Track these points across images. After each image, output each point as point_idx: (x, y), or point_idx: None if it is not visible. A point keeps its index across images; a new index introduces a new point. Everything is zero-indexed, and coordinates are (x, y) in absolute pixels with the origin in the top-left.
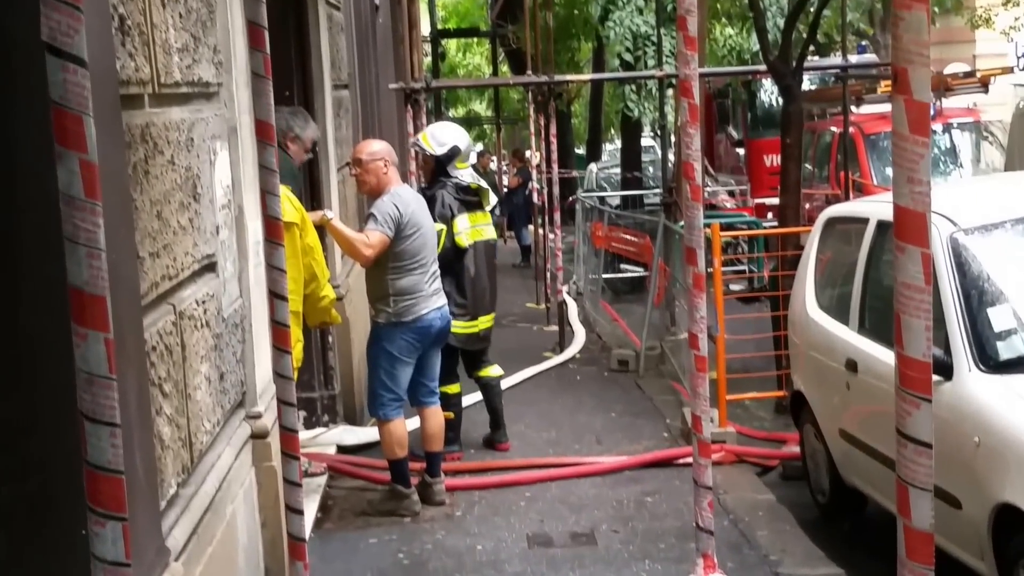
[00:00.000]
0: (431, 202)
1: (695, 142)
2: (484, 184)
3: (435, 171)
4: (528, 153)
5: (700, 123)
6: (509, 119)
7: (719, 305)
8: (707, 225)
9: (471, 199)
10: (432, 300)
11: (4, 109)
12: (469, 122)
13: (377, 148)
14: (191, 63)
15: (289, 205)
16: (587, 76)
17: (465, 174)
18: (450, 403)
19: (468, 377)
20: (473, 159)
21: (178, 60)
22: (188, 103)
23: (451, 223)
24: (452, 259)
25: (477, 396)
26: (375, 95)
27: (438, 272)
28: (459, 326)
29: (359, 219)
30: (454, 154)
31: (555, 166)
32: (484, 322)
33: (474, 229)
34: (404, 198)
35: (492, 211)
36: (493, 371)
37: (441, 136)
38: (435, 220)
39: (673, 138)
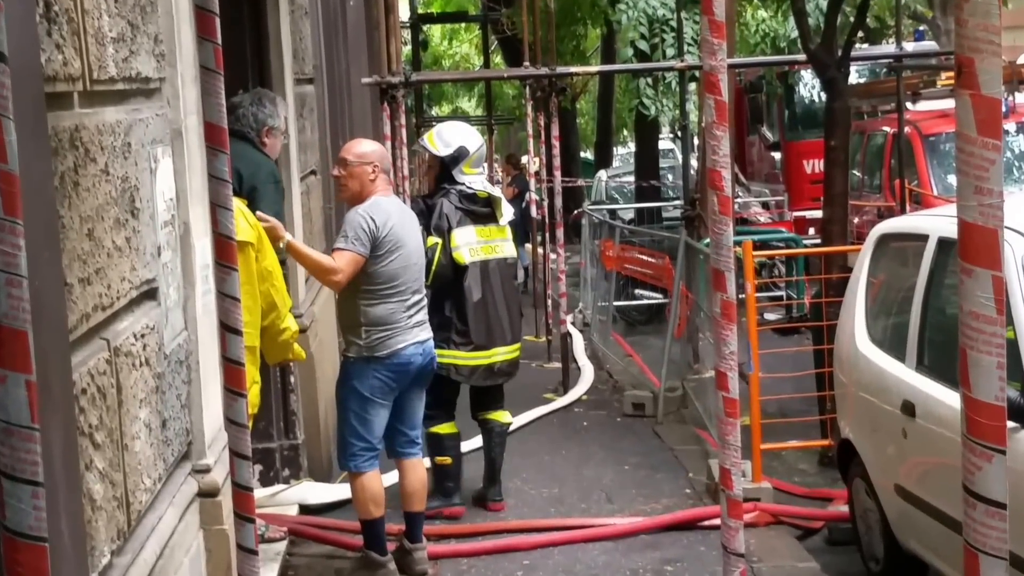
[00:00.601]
0: (430, 212)
1: (723, 145)
2: (497, 192)
3: (439, 176)
4: (525, 159)
5: (729, 123)
6: (503, 119)
7: (752, 338)
8: (738, 243)
9: (480, 210)
10: (412, 333)
11: None
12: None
13: (368, 150)
14: (128, 55)
15: (243, 221)
16: (595, 68)
17: (475, 180)
18: (444, 447)
19: (472, 419)
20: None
21: (113, 52)
22: (125, 102)
23: (448, 236)
24: (451, 278)
25: (469, 445)
26: (345, 91)
27: (424, 301)
28: (461, 357)
29: (326, 236)
30: (461, 156)
31: (557, 174)
32: (501, 354)
33: (486, 245)
34: (383, 209)
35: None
36: (503, 416)
37: (448, 135)
38: (430, 232)
39: (697, 140)
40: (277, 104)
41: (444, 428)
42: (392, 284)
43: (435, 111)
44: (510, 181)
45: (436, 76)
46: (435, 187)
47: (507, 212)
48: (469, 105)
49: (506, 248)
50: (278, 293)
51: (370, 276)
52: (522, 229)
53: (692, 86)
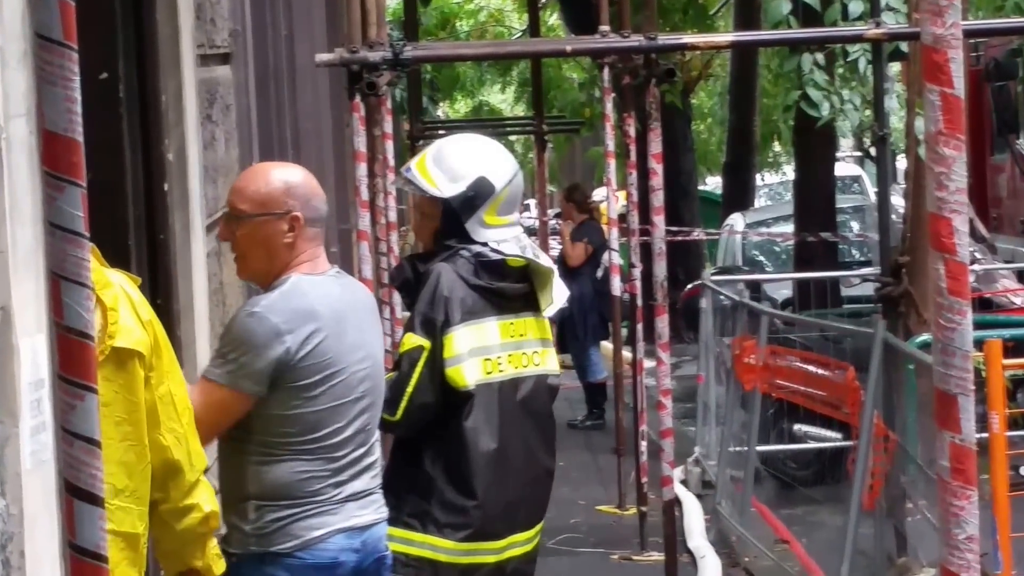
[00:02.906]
0: (418, 286)
1: (956, 172)
2: (543, 260)
3: (441, 230)
4: (599, 194)
5: (964, 132)
6: (561, 124)
7: (1001, 511)
8: (978, 343)
9: (509, 289)
10: (342, 512)
11: None
12: (480, 127)
13: (276, 185)
14: None
15: (127, 314)
16: (725, 36)
17: (504, 237)
18: None
19: None
20: (514, 212)
21: None
22: None
23: (439, 337)
24: (437, 411)
25: None
26: (287, 76)
27: (373, 456)
28: (445, 548)
29: None
30: (480, 196)
31: (658, 219)
32: (519, 545)
33: (514, 353)
34: (305, 304)
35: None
36: None
37: (455, 160)
38: (414, 330)
39: (903, 162)
40: None
41: None
42: (313, 436)
43: (443, 110)
44: (574, 230)
45: (446, 50)
46: (434, 246)
47: (558, 296)
48: (502, 99)
49: (547, 362)
50: (180, 443)
51: (271, 421)
52: (597, 315)
53: (894, 68)
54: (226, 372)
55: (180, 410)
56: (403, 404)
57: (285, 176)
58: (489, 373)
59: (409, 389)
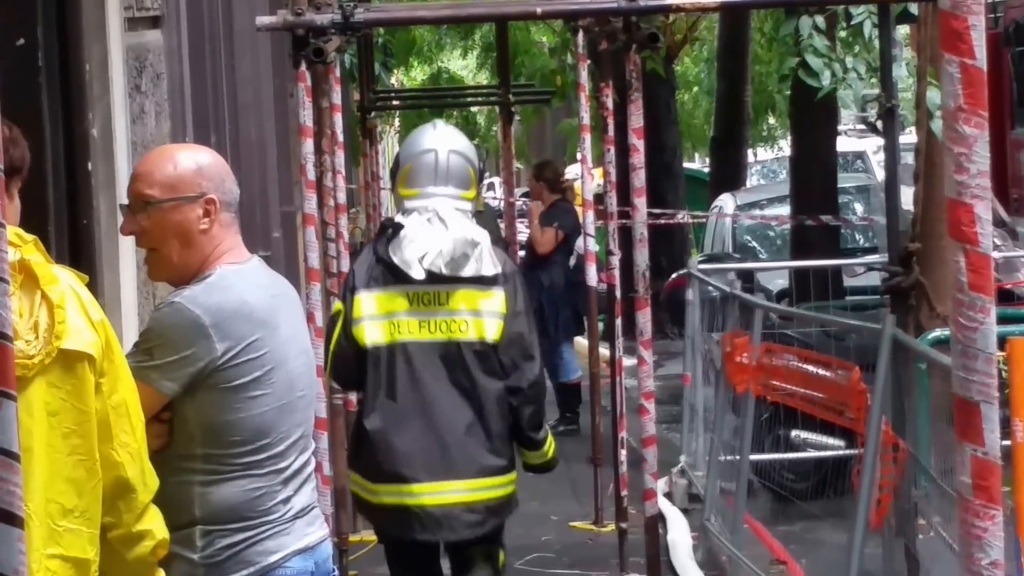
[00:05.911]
0: None
1: (978, 152)
2: (459, 225)
3: None
4: (572, 171)
5: (986, 108)
6: (529, 94)
7: None
8: (1000, 341)
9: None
10: (295, 530)
11: None
12: (439, 97)
13: (185, 168)
14: None
15: (76, 312)
16: None
17: (411, 206)
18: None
19: None
20: (436, 184)
21: None
22: None
23: (349, 301)
24: (352, 366)
25: None
26: (224, 40)
27: (313, 463)
28: (365, 488)
29: None
30: (394, 171)
31: (639, 201)
32: (443, 492)
33: (426, 319)
34: (233, 295)
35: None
36: None
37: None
38: (339, 298)
39: (914, 137)
40: None
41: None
42: (258, 444)
43: (398, 79)
44: (544, 214)
45: (401, 12)
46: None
47: (473, 259)
48: (464, 66)
49: (477, 328)
50: (134, 459)
51: (214, 430)
52: (570, 309)
53: (902, 31)
54: (135, 362)
55: (134, 422)
56: (328, 360)
57: (194, 156)
58: (392, 335)
59: (331, 347)
